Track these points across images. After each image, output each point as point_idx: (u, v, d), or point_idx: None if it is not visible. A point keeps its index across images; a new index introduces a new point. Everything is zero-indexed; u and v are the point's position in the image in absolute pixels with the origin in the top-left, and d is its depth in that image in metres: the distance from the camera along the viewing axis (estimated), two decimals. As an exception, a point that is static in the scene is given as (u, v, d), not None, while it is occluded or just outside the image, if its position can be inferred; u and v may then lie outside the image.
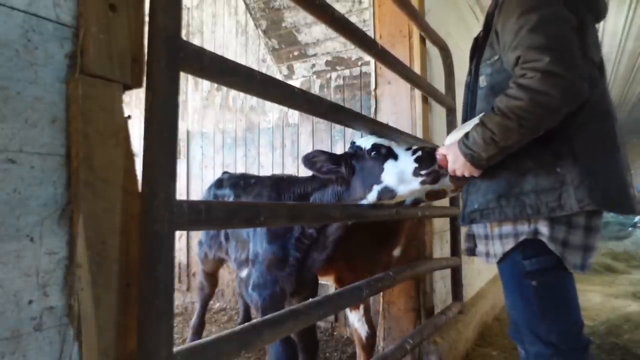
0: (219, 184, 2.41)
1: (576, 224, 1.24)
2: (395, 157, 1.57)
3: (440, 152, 1.43)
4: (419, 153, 1.53)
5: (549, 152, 1.25)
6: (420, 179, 1.51)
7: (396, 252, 2.19)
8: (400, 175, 1.54)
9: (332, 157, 1.62)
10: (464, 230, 1.75)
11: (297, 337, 2.01)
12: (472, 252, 1.60)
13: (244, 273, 2.08)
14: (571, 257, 1.23)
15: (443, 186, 1.61)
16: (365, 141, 1.64)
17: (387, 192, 1.57)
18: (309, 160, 1.59)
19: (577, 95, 1.13)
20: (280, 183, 1.95)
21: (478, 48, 1.48)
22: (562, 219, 1.24)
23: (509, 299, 1.40)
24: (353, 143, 1.69)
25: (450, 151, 1.35)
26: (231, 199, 2.19)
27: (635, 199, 1.24)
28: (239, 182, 2.25)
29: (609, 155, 1.25)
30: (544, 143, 1.23)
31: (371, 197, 1.60)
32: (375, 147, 1.60)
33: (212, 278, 2.85)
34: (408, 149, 1.59)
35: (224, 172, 2.64)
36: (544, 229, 1.25)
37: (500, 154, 1.24)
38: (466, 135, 1.27)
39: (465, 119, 1.55)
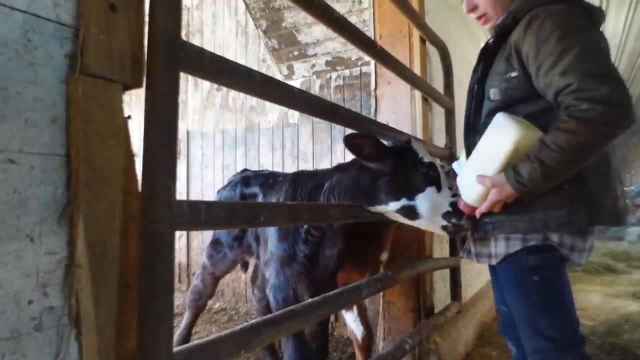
0: (246, 181, 2.34)
1: (581, 231, 1.32)
2: (439, 188, 1.49)
3: (470, 192, 1.35)
4: (455, 199, 1.47)
5: None
6: (444, 223, 1.47)
7: (383, 256, 2.18)
8: (434, 207, 1.47)
9: (381, 146, 1.48)
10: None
11: (310, 338, 1.99)
12: (468, 255, 1.61)
13: (267, 274, 2.07)
14: (575, 258, 1.33)
15: None
16: (427, 155, 1.55)
17: (410, 212, 1.48)
18: (351, 141, 1.42)
19: (632, 122, 1.12)
20: (298, 178, 1.93)
21: (487, 55, 1.43)
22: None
23: (509, 297, 1.42)
24: (408, 142, 1.58)
25: (495, 187, 1.28)
26: (260, 197, 2.18)
27: (626, 211, 1.33)
28: (267, 180, 2.23)
29: (606, 172, 1.31)
30: None
31: (392, 206, 1.49)
32: (430, 166, 1.51)
33: (214, 286, 2.68)
34: (450, 188, 1.53)
35: (244, 170, 2.56)
36: (554, 236, 1.30)
37: (556, 184, 1.23)
38: (516, 171, 1.22)
39: (468, 125, 1.53)
